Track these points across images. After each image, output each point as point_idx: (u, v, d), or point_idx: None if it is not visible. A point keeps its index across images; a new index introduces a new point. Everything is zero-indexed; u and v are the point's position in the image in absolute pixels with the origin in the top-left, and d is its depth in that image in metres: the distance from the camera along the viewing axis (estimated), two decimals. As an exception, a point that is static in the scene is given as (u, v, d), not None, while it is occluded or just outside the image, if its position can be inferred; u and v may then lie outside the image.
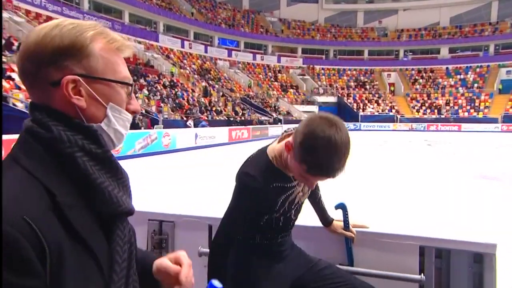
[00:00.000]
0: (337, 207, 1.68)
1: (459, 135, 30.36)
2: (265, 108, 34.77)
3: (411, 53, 50.86)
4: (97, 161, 0.76)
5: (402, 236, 1.62)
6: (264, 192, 1.35)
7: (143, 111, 17.63)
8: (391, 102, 45.49)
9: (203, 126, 19.37)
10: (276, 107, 37.15)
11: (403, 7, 51.95)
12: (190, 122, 19.50)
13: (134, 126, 14.11)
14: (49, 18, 25.33)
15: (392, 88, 48.40)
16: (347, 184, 6.14)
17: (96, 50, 0.77)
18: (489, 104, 41.78)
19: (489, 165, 11.39)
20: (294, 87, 45.92)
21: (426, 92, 46.18)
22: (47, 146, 0.72)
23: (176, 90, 26.37)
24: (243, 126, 23.86)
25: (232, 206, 1.44)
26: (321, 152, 1.19)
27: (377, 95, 46.76)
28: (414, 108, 44.57)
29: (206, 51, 42.11)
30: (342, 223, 1.69)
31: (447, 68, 48.46)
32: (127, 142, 12.46)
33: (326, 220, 1.70)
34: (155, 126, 16.54)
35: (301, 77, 48.02)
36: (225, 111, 28.20)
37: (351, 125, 41.21)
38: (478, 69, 46.86)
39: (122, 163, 0.82)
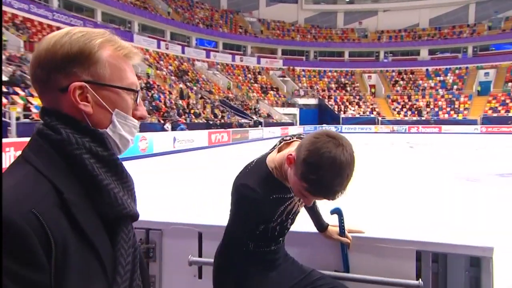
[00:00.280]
0: (332, 212, 1.68)
1: (440, 137, 31.13)
2: (245, 111, 34.76)
3: (391, 55, 51.95)
4: (103, 163, 0.80)
5: (398, 241, 1.63)
6: (263, 203, 1.35)
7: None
8: (372, 104, 46.28)
9: (181, 129, 19.21)
10: (256, 110, 37.21)
11: (383, 8, 53.05)
12: (168, 126, 19.30)
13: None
14: (14, 16, 24.71)
15: (373, 90, 49.28)
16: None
17: (103, 57, 0.81)
18: (469, 106, 43.06)
19: (470, 167, 11.71)
20: (275, 89, 46.14)
21: (407, 94, 47.22)
22: (56, 147, 0.76)
23: (152, 92, 26.07)
24: (223, 129, 23.78)
25: (234, 218, 1.45)
26: (325, 172, 1.17)
27: (358, 97, 47.50)
28: (395, 110, 45.47)
29: (183, 52, 41.82)
30: (337, 229, 1.69)
31: (427, 69, 49.71)
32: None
33: (321, 225, 1.70)
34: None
35: (281, 78, 48.30)
36: (204, 113, 28.05)
37: (332, 127, 41.69)
38: (457, 71, 48.27)
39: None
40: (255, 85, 45.51)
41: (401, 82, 49.21)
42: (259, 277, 1.47)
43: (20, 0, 25.84)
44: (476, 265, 1.55)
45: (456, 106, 43.70)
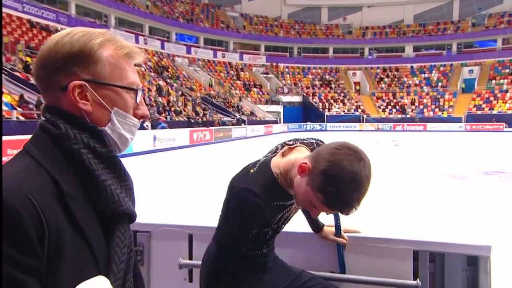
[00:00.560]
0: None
1: (425, 135, 31.71)
2: (227, 108, 34.68)
3: (376, 51, 52.64)
4: (101, 160, 0.82)
5: (395, 241, 1.64)
6: (265, 210, 1.33)
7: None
8: (356, 102, 46.81)
9: (162, 127, 19.02)
10: (239, 107, 37.16)
11: (368, 3, 53.66)
12: (148, 124, 19.08)
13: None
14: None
15: (357, 87, 49.84)
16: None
17: (103, 56, 0.84)
18: (453, 103, 44.01)
19: (456, 165, 11.96)
20: (258, 86, 46.16)
21: (392, 91, 47.93)
22: (56, 141, 0.80)
23: (130, 89, 25.72)
24: (205, 128, 23.66)
25: (229, 222, 1.41)
26: (345, 186, 1.16)
27: (342, 95, 47.96)
28: (380, 107, 46.10)
29: (163, 47, 41.42)
30: (333, 229, 1.69)
31: (411, 66, 50.56)
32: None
33: (316, 226, 1.70)
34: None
35: (264, 75, 48.36)
36: (185, 111, 27.85)
37: (317, 125, 42.00)
38: (441, 68, 49.26)
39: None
40: (238, 82, 45.43)
41: (386, 79, 49.91)
42: (251, 281, 1.47)
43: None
44: (474, 264, 1.57)
45: (441, 103, 44.59)
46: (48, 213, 0.69)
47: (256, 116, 37.68)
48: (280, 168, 1.37)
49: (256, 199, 1.30)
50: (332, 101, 46.99)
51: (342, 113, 44.79)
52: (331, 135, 32.13)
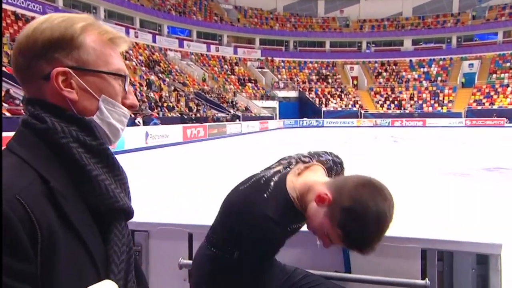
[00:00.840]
0: None
1: (424, 131, 31.85)
2: (221, 104, 34.63)
3: (374, 45, 52.72)
4: (93, 154, 0.79)
5: (403, 239, 1.64)
6: (281, 237, 1.32)
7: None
8: (354, 97, 46.91)
9: (155, 124, 18.96)
10: (234, 103, 37.13)
11: (365, -4, 53.70)
12: (139, 120, 19.01)
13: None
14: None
15: (355, 82, 49.95)
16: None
17: (87, 42, 0.81)
18: (453, 98, 44.22)
19: (458, 162, 12.02)
20: (253, 81, 46.11)
21: (390, 86, 48.07)
22: (42, 136, 0.76)
23: (121, 84, 25.61)
24: (199, 124, 23.61)
25: (246, 255, 1.34)
26: (368, 228, 1.16)
27: (340, 89, 48.04)
28: (378, 103, 46.24)
29: (154, 41, 41.23)
30: None
31: (410, 60, 50.71)
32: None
33: None
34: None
35: (259, 70, 48.31)
36: (177, 107, 27.78)
37: (313, 121, 42.07)
38: (441, 62, 49.44)
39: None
40: (232, 76, 45.35)
41: (384, 73, 50.04)
42: (247, 284, 1.45)
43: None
44: (484, 263, 1.57)
45: (440, 98, 44.78)
46: (38, 213, 0.66)
47: (251, 112, 37.67)
48: (297, 191, 1.33)
49: (274, 227, 1.26)
50: (329, 96, 47.05)
51: (339, 109, 44.88)
52: (328, 131, 32.19)
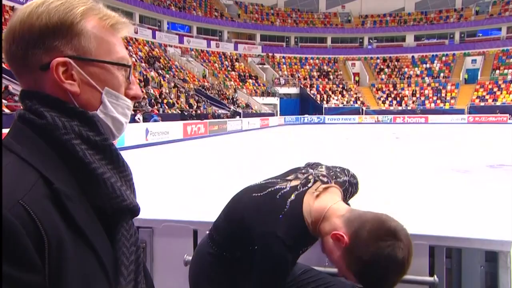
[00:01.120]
0: None
1: (427, 128, 31.82)
2: (222, 101, 34.62)
3: (375, 41, 52.60)
4: (96, 150, 0.74)
5: (411, 236, 1.63)
6: (293, 263, 1.31)
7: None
8: (356, 93, 46.86)
9: (155, 120, 18.96)
10: (234, 99, 37.10)
11: (367, -9, 53.55)
12: (139, 117, 19.00)
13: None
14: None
15: (356, 78, 49.88)
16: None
17: (87, 28, 0.75)
18: (455, 94, 44.15)
19: (460, 159, 12.02)
20: (253, 77, 46.05)
21: (392, 82, 48.00)
22: (41, 133, 0.70)
23: (121, 80, 25.59)
24: (199, 121, 23.61)
25: (255, 277, 1.30)
26: (386, 277, 1.17)
27: (341, 86, 47.98)
28: (379, 99, 46.19)
29: (154, 37, 41.17)
30: None
31: (412, 56, 50.62)
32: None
33: None
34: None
35: (260, 66, 48.25)
36: (178, 103, 27.75)
37: (315, 118, 42.04)
38: (444, 58, 49.34)
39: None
40: (233, 73, 45.30)
41: (386, 70, 49.97)
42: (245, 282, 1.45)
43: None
44: (492, 260, 1.56)
45: (443, 95, 44.72)
46: (44, 219, 0.61)
47: (252, 109, 37.65)
48: (312, 216, 1.30)
49: (288, 254, 1.25)
50: (330, 92, 47.00)
51: (341, 105, 44.84)
52: (330, 128, 32.16)
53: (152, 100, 24.71)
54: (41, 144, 0.70)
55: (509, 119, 37.04)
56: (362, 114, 43.22)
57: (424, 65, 49.43)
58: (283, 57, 51.18)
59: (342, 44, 52.66)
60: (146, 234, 1.83)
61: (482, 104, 41.45)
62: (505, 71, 44.41)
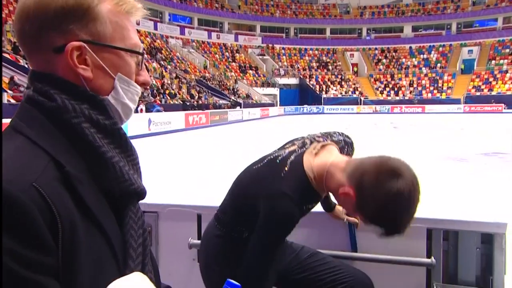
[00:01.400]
0: None
1: (424, 117, 31.77)
2: (223, 91, 34.50)
3: (374, 32, 52.25)
4: (105, 134, 0.72)
5: (409, 219, 1.64)
6: (298, 218, 1.28)
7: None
8: (354, 84, 46.67)
9: (158, 111, 18.94)
10: (235, 90, 36.99)
11: (366, -18, 53.07)
12: (142, 107, 18.97)
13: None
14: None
15: (355, 69, 49.63)
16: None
17: (103, 13, 0.72)
18: (452, 84, 43.98)
19: (457, 147, 12.03)
20: (254, 68, 45.86)
21: (390, 72, 47.79)
22: (51, 116, 0.68)
23: (123, 71, 25.48)
24: (201, 111, 23.57)
25: (260, 238, 1.27)
26: (399, 216, 1.15)
27: (340, 76, 47.77)
28: (377, 89, 46.02)
29: (155, 28, 40.90)
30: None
31: (410, 47, 50.31)
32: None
33: (329, 205, 1.69)
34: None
35: (260, 57, 48.00)
36: (179, 94, 27.69)
37: (314, 108, 41.95)
38: (441, 49, 49.05)
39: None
40: (233, 64, 45.09)
41: (384, 60, 49.71)
42: None
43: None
44: (488, 242, 1.57)
45: (440, 85, 44.55)
46: (57, 202, 0.60)
47: (252, 99, 37.55)
48: (314, 171, 1.29)
49: (294, 206, 1.23)
50: (329, 83, 46.83)
51: (340, 96, 44.70)
52: (328, 118, 32.11)
53: (155, 91, 24.65)
54: (50, 127, 0.68)
55: (504, 108, 36.95)
56: (360, 104, 43.09)
57: (422, 56, 49.16)
58: (283, 48, 50.89)
59: (341, 35, 52.30)
60: (151, 219, 1.85)
61: (478, 94, 41.31)
62: (501, 61, 44.17)
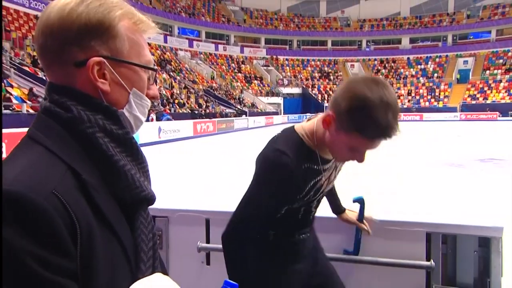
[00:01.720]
0: (355, 200, 1.65)
1: (422, 124, 31.63)
2: (229, 100, 34.60)
3: (373, 43, 52.30)
4: (118, 143, 0.73)
5: (409, 223, 1.63)
6: (295, 172, 1.21)
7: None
8: (355, 93, 46.58)
9: (167, 119, 19.01)
10: (241, 99, 37.07)
11: (365, -3, 53.23)
12: (152, 116, 19.06)
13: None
14: (-8, 5, 23.81)
15: (355, 79, 49.54)
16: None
17: (122, 31, 0.74)
18: (448, 93, 43.83)
19: (454, 153, 11.95)
20: (258, 78, 45.97)
21: (389, 82, 47.42)
22: (67, 126, 0.69)
23: (135, 82, 25.65)
24: (208, 119, 23.64)
25: (253, 193, 1.26)
26: (376, 110, 1.07)
27: (341, 86, 47.72)
28: (377, 98, 45.91)
29: (165, 41, 41.14)
30: (354, 213, 1.67)
31: (408, 58, 50.26)
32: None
33: (338, 208, 1.66)
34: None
35: (265, 68, 48.14)
36: (188, 103, 27.79)
37: (316, 116, 41.87)
38: (437, 59, 48.95)
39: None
40: (239, 74, 45.24)
41: (383, 70, 49.68)
42: (279, 271, 1.38)
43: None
44: (485, 245, 1.56)
45: (437, 94, 44.43)
46: (76, 209, 0.62)
47: (257, 108, 37.60)
48: (305, 129, 1.28)
49: (284, 157, 1.19)
50: (331, 92, 46.80)
51: (341, 104, 44.61)
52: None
53: (164, 101, 24.77)
54: (66, 136, 0.69)
55: (499, 116, 36.73)
56: (361, 112, 42.95)
57: (419, 66, 49.08)
58: (286, 59, 51.02)
59: (342, 46, 52.38)
60: (162, 223, 1.85)
61: (473, 102, 41.13)
62: (495, 71, 44.00)
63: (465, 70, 45.91)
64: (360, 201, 1.66)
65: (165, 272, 0.90)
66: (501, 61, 44.76)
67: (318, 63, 51.34)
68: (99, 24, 0.71)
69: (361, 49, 52.36)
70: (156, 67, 0.84)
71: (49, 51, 0.72)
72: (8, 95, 14.09)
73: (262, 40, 50.88)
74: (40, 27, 0.72)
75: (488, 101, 40.53)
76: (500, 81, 42.48)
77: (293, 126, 1.32)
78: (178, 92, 29.39)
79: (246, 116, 30.98)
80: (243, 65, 47.34)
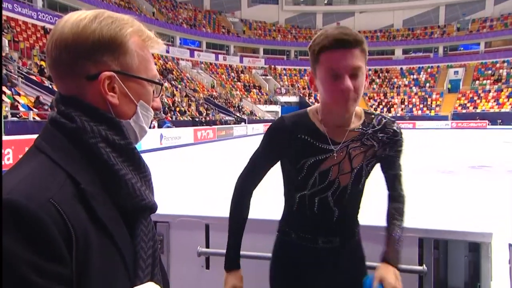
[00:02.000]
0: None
1: (414, 132, 31.69)
2: (229, 108, 34.65)
3: (368, 54, 52.42)
4: (120, 153, 0.74)
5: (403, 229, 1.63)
6: (289, 136, 1.25)
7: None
8: (350, 101, 46.70)
9: (168, 127, 19.01)
10: (240, 107, 37.12)
11: (360, 9, 53.57)
12: (154, 123, 19.06)
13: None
14: None
15: (350, 88, 49.70)
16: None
17: (132, 47, 0.76)
18: (440, 102, 44.00)
19: (445, 160, 11.96)
20: (257, 87, 46.10)
21: (383, 91, 47.93)
22: (71, 136, 0.70)
23: (138, 90, 25.67)
24: (208, 126, 23.65)
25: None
26: (326, 32, 1.18)
27: (336, 95, 47.85)
28: (372, 107, 46.04)
29: (167, 51, 41.28)
30: (389, 273, 1.29)
31: (401, 68, 50.51)
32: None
33: (382, 254, 1.33)
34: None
35: (263, 77, 48.29)
36: (189, 111, 27.82)
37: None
38: (429, 70, 49.22)
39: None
40: (238, 83, 45.36)
41: (377, 80, 49.89)
42: (308, 276, 1.35)
43: (4, -1, 25.02)
44: (475, 250, 1.56)
45: (429, 103, 44.60)
46: (72, 217, 0.62)
47: (256, 116, 37.65)
48: (314, 107, 1.34)
49: (280, 120, 1.29)
50: (326, 101, 46.92)
51: (336, 112, 44.71)
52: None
53: (166, 108, 24.79)
54: (70, 147, 0.70)
55: (488, 124, 36.86)
56: (355, 120, 43.04)
57: (412, 76, 49.31)
58: (284, 69, 51.20)
59: (337, 57, 52.56)
60: (163, 228, 1.84)
61: (464, 111, 41.29)
62: (484, 81, 44.26)
63: (456, 80, 46.14)
64: None
65: (165, 278, 0.90)
66: (489, 71, 45.03)
67: (315, 73, 51.49)
68: (112, 40, 0.73)
69: (356, 60, 52.53)
70: (162, 82, 0.85)
71: (62, 64, 0.72)
72: (15, 103, 14.09)
73: (260, 51, 51.09)
74: (54, 40, 0.73)
75: (478, 110, 40.68)
76: (489, 91, 42.71)
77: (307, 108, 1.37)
78: (179, 100, 29.43)
79: (245, 123, 31.01)
80: (242, 74, 47.48)
